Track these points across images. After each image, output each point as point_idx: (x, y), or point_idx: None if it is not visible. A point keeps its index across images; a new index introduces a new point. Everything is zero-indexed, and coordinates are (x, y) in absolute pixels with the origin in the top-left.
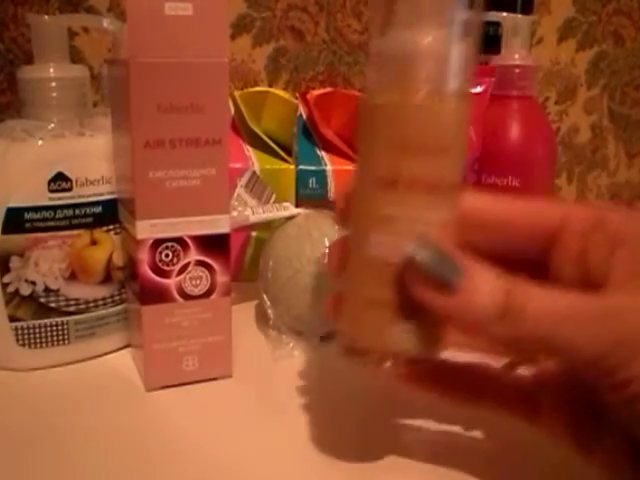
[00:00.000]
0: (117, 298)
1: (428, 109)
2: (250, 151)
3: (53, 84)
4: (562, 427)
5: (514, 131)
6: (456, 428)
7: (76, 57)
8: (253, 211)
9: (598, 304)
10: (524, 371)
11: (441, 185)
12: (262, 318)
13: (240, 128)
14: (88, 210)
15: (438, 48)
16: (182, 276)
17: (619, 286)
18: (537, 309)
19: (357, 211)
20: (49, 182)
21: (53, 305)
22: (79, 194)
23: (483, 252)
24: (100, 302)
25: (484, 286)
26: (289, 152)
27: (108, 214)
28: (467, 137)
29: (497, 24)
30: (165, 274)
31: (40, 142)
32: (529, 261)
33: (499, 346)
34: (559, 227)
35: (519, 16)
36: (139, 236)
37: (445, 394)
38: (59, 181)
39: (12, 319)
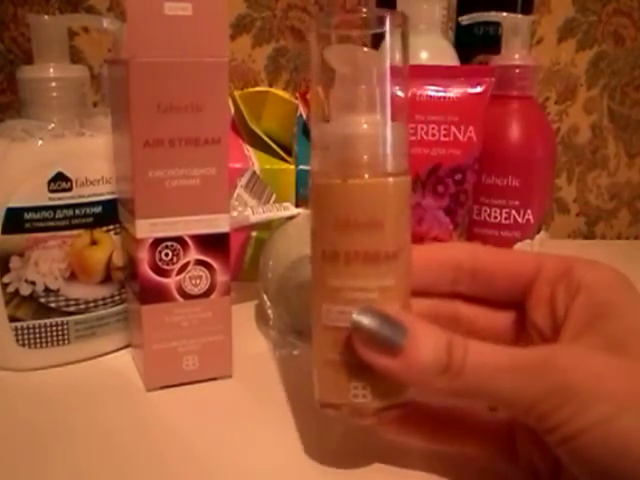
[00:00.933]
0: (117, 298)
1: (359, 187)
2: (250, 151)
3: (53, 84)
4: (536, 464)
5: (514, 131)
6: None
7: (76, 57)
8: (253, 211)
9: (531, 356)
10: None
11: (379, 255)
12: (262, 318)
13: (240, 128)
14: (88, 210)
15: (373, 131)
16: (182, 275)
17: (567, 333)
18: (475, 363)
19: (312, 283)
20: (49, 182)
21: (53, 305)
22: (79, 194)
23: (471, 298)
24: (100, 302)
25: (426, 345)
26: (289, 152)
27: (108, 214)
28: (407, 208)
29: (497, 24)
30: (165, 273)
31: (40, 142)
32: (516, 309)
33: (444, 398)
34: (534, 276)
35: (519, 16)
36: (139, 235)
37: (426, 438)
38: (59, 181)
39: (12, 319)
